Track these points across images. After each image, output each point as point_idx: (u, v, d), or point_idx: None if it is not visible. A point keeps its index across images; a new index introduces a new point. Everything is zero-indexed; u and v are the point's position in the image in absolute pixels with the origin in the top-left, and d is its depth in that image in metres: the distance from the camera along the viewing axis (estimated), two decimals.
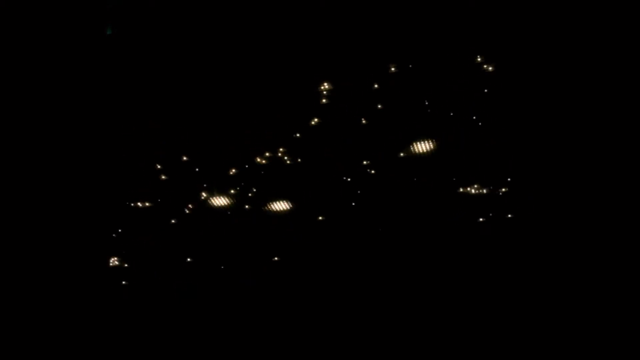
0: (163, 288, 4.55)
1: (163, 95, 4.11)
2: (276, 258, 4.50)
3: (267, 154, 4.23)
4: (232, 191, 4.35)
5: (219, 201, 4.40)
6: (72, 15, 3.74)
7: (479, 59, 3.86)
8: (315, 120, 4.11)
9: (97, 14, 3.81)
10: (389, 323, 4.24)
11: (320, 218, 4.40)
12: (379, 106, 4.04)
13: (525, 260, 4.09)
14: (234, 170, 4.29)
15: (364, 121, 4.08)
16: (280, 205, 4.39)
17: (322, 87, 4.03)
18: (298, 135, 4.16)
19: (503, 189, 4.14)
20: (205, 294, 4.53)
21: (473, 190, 4.17)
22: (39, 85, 3.71)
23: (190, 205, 4.42)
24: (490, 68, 3.87)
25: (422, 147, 4.10)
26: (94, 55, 3.82)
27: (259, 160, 4.25)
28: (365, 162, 4.19)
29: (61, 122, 3.71)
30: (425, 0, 3.78)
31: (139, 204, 4.39)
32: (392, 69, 3.95)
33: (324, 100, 4.06)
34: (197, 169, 4.30)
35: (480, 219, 4.23)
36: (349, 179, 4.25)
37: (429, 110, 4.02)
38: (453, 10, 3.77)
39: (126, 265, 4.50)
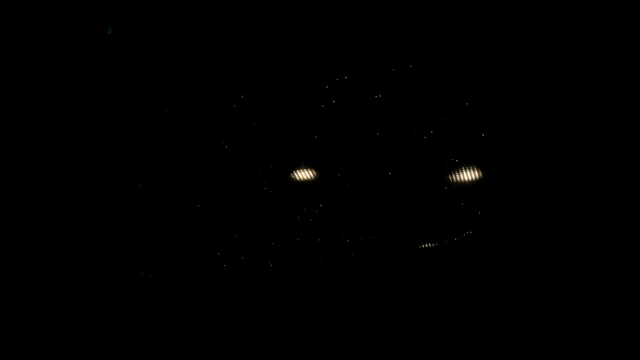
0: (162, 288, 4.56)
1: (164, 95, 4.12)
2: (276, 258, 4.51)
3: (267, 154, 4.24)
4: (231, 191, 4.36)
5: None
6: (72, 15, 3.74)
7: (478, 59, 3.85)
8: (315, 120, 4.12)
9: (97, 14, 3.81)
10: (388, 323, 4.25)
11: (320, 218, 4.40)
12: (379, 107, 4.04)
13: (524, 260, 4.10)
14: (233, 171, 4.30)
15: (363, 121, 4.09)
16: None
17: (322, 88, 4.03)
18: (298, 135, 4.16)
19: (502, 189, 4.14)
20: (205, 294, 4.54)
21: (472, 190, 4.18)
22: (39, 85, 3.72)
23: (189, 205, 4.42)
24: (489, 68, 3.87)
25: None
26: (94, 55, 3.82)
27: (259, 160, 4.26)
28: (364, 162, 4.19)
29: (61, 122, 3.72)
30: (425, 1, 3.78)
31: (138, 203, 4.40)
32: (392, 69, 3.95)
33: (323, 101, 4.06)
34: (197, 169, 4.31)
35: (479, 217, 4.23)
36: (348, 179, 4.25)
37: (428, 110, 4.03)
38: (453, 10, 3.77)
39: (125, 265, 4.51)
